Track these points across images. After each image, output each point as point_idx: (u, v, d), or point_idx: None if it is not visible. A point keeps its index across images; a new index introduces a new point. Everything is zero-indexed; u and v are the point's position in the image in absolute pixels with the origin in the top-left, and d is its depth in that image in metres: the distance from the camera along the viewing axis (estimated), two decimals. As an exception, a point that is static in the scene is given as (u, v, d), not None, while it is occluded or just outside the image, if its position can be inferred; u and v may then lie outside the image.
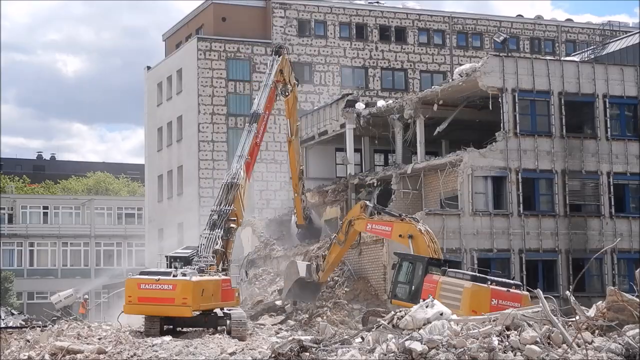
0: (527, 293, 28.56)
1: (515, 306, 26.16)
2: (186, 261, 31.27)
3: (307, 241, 43.67)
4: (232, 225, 32.91)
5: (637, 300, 17.99)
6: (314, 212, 45.39)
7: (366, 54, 67.38)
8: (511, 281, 30.18)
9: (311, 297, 36.99)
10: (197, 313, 29.72)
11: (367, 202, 34.98)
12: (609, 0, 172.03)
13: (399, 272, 31.60)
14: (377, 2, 70.51)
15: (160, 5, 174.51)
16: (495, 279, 29.07)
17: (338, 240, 34.95)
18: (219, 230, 32.35)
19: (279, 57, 38.52)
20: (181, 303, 28.92)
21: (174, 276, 29.39)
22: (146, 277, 29.90)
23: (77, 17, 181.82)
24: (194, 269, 30.39)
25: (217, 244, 31.97)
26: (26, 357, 25.34)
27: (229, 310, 30.51)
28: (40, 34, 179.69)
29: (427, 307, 19.96)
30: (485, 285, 28.17)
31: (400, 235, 32.30)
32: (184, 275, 29.44)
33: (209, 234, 32.24)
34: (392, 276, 32.64)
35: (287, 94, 39.62)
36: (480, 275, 29.40)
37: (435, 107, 44.06)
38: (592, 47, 60.74)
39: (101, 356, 24.62)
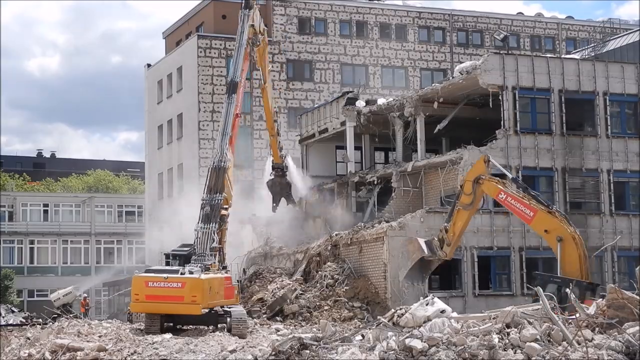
0: None
1: None
2: (185, 259, 31.06)
3: (275, 194, 44.31)
4: (224, 212, 32.59)
5: (637, 297, 18.00)
6: (290, 157, 45.63)
7: (366, 52, 67.34)
8: None
9: (422, 277, 34.59)
10: (206, 311, 29.42)
11: (490, 156, 31.38)
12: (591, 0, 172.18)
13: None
14: (378, 0, 70.44)
15: (139, 7, 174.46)
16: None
17: (462, 205, 30.71)
18: (214, 224, 31.88)
19: (249, 10, 36.38)
20: (190, 301, 28.55)
21: (181, 274, 29.06)
22: (154, 274, 29.45)
23: (53, 20, 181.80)
24: (199, 266, 30.10)
25: (213, 240, 31.57)
26: (26, 354, 25.31)
27: (230, 307, 30.39)
28: (17, 36, 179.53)
29: (427, 304, 19.96)
30: None
31: (546, 231, 28.50)
32: (192, 273, 29.17)
33: (204, 228, 31.76)
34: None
35: (258, 43, 37.92)
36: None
37: (435, 104, 44.06)
38: (592, 45, 60.67)
39: (101, 354, 24.56)
